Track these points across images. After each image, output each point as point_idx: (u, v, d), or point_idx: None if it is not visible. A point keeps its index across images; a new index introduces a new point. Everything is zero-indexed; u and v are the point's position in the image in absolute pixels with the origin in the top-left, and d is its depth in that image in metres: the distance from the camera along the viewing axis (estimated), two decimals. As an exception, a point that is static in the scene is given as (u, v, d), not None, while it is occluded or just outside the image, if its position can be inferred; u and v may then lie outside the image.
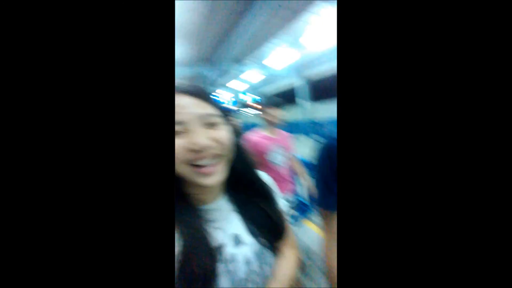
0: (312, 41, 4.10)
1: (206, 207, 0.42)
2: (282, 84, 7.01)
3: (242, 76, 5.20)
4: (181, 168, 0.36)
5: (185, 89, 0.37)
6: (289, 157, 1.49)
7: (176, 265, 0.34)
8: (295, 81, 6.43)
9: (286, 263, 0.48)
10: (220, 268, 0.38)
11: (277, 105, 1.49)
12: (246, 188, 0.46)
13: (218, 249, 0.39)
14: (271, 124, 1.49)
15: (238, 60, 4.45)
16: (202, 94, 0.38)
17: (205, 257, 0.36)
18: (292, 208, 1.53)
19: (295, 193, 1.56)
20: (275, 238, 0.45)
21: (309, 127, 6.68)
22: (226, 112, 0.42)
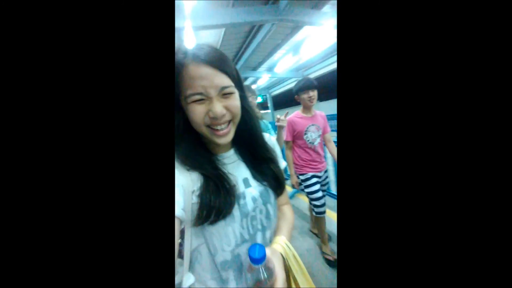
0: (309, 47, 5.30)
1: (220, 156, 0.51)
2: (286, 84, 8.17)
3: (257, 81, 6.49)
4: (201, 128, 0.43)
5: (203, 58, 0.40)
6: (324, 137, 1.54)
7: (197, 199, 0.41)
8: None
9: (288, 214, 0.59)
10: (233, 201, 0.45)
11: (312, 86, 1.50)
12: (250, 147, 0.53)
13: (232, 187, 0.46)
14: (307, 104, 1.51)
15: (254, 68, 5.70)
16: (217, 64, 0.41)
17: (222, 192, 0.43)
18: (323, 185, 1.54)
19: (326, 172, 1.58)
20: (275, 184, 0.53)
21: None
22: (239, 81, 0.46)
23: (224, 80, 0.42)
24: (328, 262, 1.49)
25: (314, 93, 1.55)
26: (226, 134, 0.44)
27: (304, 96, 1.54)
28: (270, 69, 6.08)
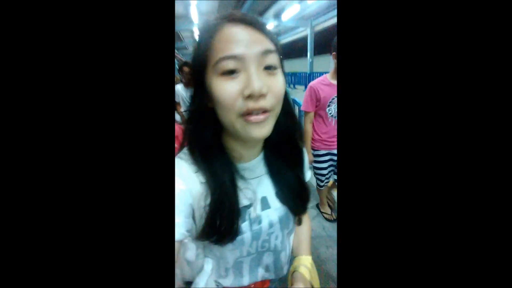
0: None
1: (241, 165, 0.40)
2: (293, 35, 7.77)
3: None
4: (230, 116, 0.31)
5: (240, 17, 0.32)
6: None
7: (204, 215, 0.34)
8: (304, 32, 7.21)
9: (306, 228, 0.53)
10: (245, 226, 0.38)
11: None
12: (283, 151, 0.43)
13: (246, 208, 0.39)
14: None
15: (261, 14, 5.45)
16: (259, 24, 0.32)
17: (231, 213, 0.36)
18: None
19: None
20: (301, 205, 0.45)
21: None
22: (281, 54, 0.35)
23: (267, 44, 0.32)
24: (326, 219, 1.50)
25: None
26: (264, 120, 0.32)
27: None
28: (277, 16, 5.82)
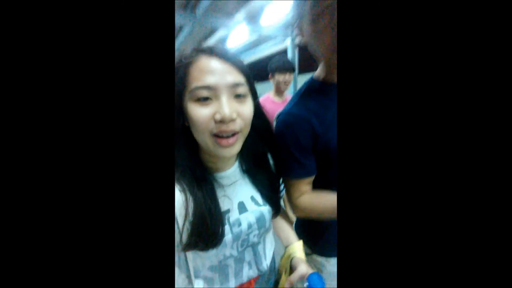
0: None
1: (218, 175, 0.46)
2: (273, 46, 6.32)
3: (233, 34, 4.42)
4: (203, 136, 0.37)
5: (216, 51, 0.37)
6: None
7: (189, 226, 0.37)
8: (284, 44, 5.81)
9: (288, 219, 0.65)
10: (226, 230, 0.44)
11: (290, 69, 1.40)
12: (256, 158, 0.51)
13: (225, 213, 0.46)
14: (279, 88, 1.43)
15: (229, 15, 3.66)
16: (234, 61, 0.38)
17: (214, 221, 0.40)
18: None
19: None
20: (274, 201, 0.54)
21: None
22: (253, 87, 0.41)
23: (237, 77, 0.39)
24: None
25: (290, 77, 1.47)
26: (232, 144, 0.39)
27: (280, 78, 1.46)
28: (252, 19, 4.08)
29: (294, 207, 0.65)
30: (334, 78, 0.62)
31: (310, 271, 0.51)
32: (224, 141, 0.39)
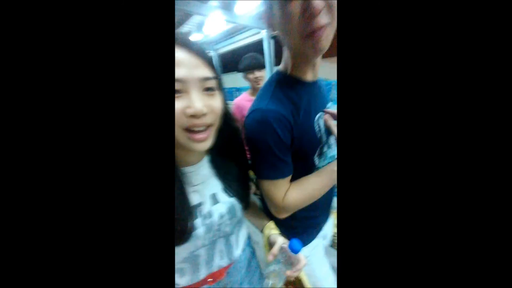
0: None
1: (188, 169, 0.46)
2: (246, 38, 6.30)
3: (208, 20, 4.37)
4: (175, 130, 0.36)
5: (186, 43, 0.36)
6: None
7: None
8: (260, 35, 5.84)
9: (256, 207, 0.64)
10: (198, 222, 0.45)
11: (258, 66, 1.39)
12: (227, 152, 0.51)
13: (198, 206, 0.46)
14: (254, 86, 1.42)
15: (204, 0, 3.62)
16: (201, 53, 0.38)
17: (184, 216, 0.41)
18: None
19: None
20: (245, 194, 0.54)
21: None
22: (220, 82, 0.42)
23: (206, 71, 0.38)
24: None
25: (261, 74, 1.45)
26: (205, 139, 0.40)
27: (250, 76, 1.44)
28: (227, 7, 4.08)
29: (281, 209, 0.59)
30: (299, 72, 0.58)
31: (287, 241, 0.53)
32: (197, 136, 0.38)
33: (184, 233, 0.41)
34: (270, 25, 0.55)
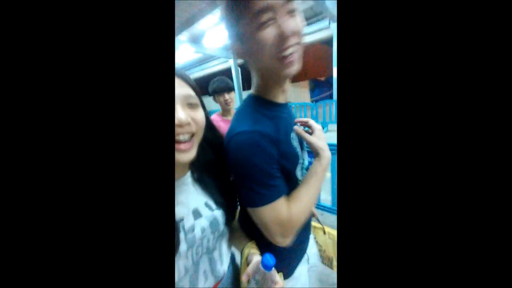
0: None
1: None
2: (215, 66, 6.74)
3: (178, 52, 4.68)
4: None
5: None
6: None
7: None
8: (228, 63, 6.29)
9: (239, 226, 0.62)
10: (181, 237, 0.43)
11: (227, 89, 1.48)
12: (209, 165, 0.51)
13: (181, 221, 0.43)
14: (224, 108, 1.51)
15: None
16: (184, 77, 0.42)
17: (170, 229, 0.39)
18: None
19: None
20: (228, 210, 0.52)
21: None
22: (200, 96, 0.45)
23: (188, 90, 0.41)
24: None
25: (230, 96, 1.49)
26: (189, 149, 0.41)
27: (220, 99, 1.48)
28: (195, 40, 4.48)
29: (289, 228, 0.54)
30: (272, 95, 0.60)
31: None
32: (181, 146, 0.39)
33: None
34: (239, 54, 0.57)
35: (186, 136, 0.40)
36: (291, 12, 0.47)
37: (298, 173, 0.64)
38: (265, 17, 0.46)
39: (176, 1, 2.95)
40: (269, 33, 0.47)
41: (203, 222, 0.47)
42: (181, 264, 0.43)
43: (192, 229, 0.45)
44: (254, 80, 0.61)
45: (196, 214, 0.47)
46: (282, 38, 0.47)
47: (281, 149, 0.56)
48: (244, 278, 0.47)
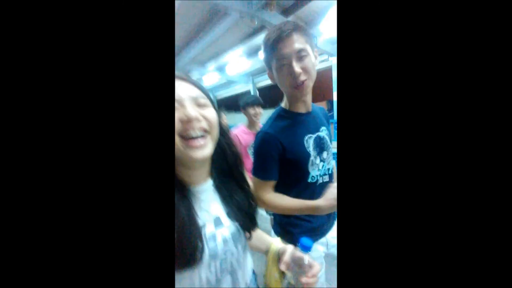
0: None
1: (194, 188, 0.45)
2: (236, 89, 7.63)
3: (203, 78, 5.63)
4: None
5: (182, 77, 0.42)
6: None
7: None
8: (247, 87, 7.07)
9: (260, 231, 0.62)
10: (203, 243, 0.42)
11: (259, 103, 1.64)
12: (230, 174, 0.52)
13: (202, 228, 0.43)
14: (252, 120, 1.65)
15: (202, 64, 4.87)
16: (195, 83, 0.44)
17: (192, 235, 0.39)
18: None
19: None
20: (249, 222, 0.52)
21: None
22: (212, 100, 0.46)
23: (198, 92, 0.43)
24: None
25: (259, 110, 1.66)
26: (203, 146, 0.41)
27: (251, 111, 1.64)
28: (220, 69, 5.36)
29: (259, 201, 0.80)
30: (294, 107, 0.86)
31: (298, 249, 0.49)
32: (193, 142, 0.39)
33: (194, 252, 0.39)
34: (271, 79, 0.85)
35: (198, 132, 0.40)
36: (300, 57, 0.73)
37: (310, 168, 0.85)
38: (282, 62, 0.74)
39: (205, 38, 3.75)
40: (285, 71, 0.76)
41: (224, 232, 0.47)
42: (203, 274, 0.42)
43: (214, 238, 0.45)
44: (284, 97, 0.89)
45: (218, 222, 0.47)
46: (293, 74, 0.74)
47: (289, 147, 0.81)
48: (283, 267, 0.48)
